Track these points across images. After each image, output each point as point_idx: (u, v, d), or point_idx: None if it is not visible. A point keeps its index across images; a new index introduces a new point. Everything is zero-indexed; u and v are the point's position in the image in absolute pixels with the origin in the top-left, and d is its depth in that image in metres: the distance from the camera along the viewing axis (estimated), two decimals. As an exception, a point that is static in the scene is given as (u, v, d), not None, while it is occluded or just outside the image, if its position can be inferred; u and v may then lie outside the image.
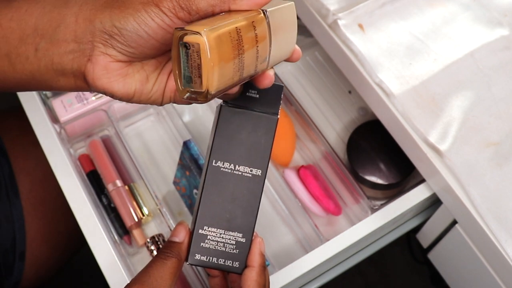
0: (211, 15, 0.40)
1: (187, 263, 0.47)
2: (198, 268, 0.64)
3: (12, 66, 0.46)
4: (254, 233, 0.48)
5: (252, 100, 0.47)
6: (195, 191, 0.69)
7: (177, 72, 0.38)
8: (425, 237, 0.73)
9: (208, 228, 0.47)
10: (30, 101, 0.68)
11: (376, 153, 0.73)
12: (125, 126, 0.79)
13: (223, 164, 0.47)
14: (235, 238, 0.47)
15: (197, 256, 0.47)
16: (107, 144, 0.75)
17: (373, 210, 0.67)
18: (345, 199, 0.73)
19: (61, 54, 0.43)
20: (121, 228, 0.69)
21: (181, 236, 0.47)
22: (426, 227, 0.71)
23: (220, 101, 0.47)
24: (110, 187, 0.71)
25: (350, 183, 0.70)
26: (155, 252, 0.68)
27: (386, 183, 0.71)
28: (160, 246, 0.68)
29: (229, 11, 0.40)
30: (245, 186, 0.47)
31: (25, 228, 0.75)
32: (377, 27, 0.68)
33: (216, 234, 0.47)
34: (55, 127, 0.69)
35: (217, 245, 0.47)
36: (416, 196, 0.65)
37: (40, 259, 0.77)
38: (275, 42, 0.41)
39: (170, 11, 0.40)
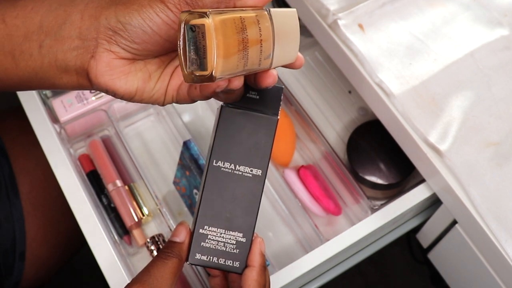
0: None
1: (188, 262, 0.47)
2: (198, 268, 0.64)
3: (15, 63, 0.46)
4: (255, 233, 0.48)
5: (253, 101, 0.47)
6: (195, 191, 0.69)
7: (182, 57, 0.39)
8: (425, 237, 0.73)
9: (208, 228, 0.47)
10: (30, 101, 0.68)
11: (376, 153, 0.73)
12: (125, 126, 0.79)
13: (223, 164, 0.47)
14: (235, 238, 0.47)
15: (198, 256, 0.47)
16: (107, 144, 0.75)
17: (373, 210, 0.67)
18: (345, 199, 0.73)
19: (65, 50, 0.44)
20: (121, 228, 0.69)
21: (182, 236, 0.47)
22: (426, 227, 0.71)
23: (221, 102, 0.48)
24: (110, 187, 0.71)
25: (350, 183, 0.70)
26: (155, 252, 0.68)
27: (386, 183, 0.71)
28: (160, 246, 0.68)
29: (234, 8, 0.41)
30: (246, 186, 0.47)
31: (25, 228, 0.75)
32: (377, 27, 0.68)
33: (217, 234, 0.47)
34: (55, 127, 0.69)
35: (217, 244, 0.47)
36: (416, 196, 0.65)
37: (40, 259, 0.77)
38: (278, 42, 0.41)
39: (175, 6, 0.40)
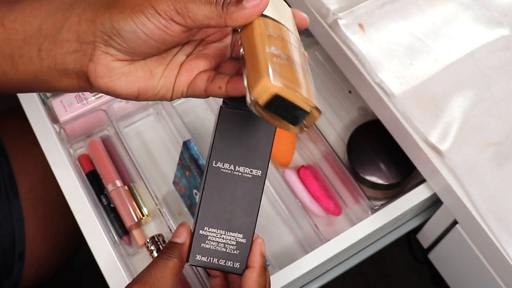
0: (207, 26, 0.41)
1: (188, 263, 0.47)
2: (198, 268, 0.64)
3: (15, 66, 0.46)
4: (255, 234, 0.48)
5: None
6: (195, 191, 0.69)
7: (283, 126, 0.40)
8: (425, 237, 0.73)
9: (208, 229, 0.47)
10: (29, 101, 0.68)
11: (376, 153, 0.73)
12: (125, 126, 0.79)
13: (223, 165, 0.47)
14: (235, 239, 0.47)
15: (198, 257, 0.47)
16: (107, 144, 0.75)
17: (373, 210, 0.67)
18: (345, 199, 0.73)
19: (64, 54, 0.44)
20: (120, 228, 0.69)
21: (183, 237, 0.47)
22: (426, 227, 0.71)
23: (220, 102, 0.48)
24: (109, 187, 0.71)
25: (350, 183, 0.70)
26: (155, 253, 0.68)
27: (386, 183, 0.71)
28: (160, 246, 0.68)
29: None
30: (245, 186, 0.47)
31: (24, 228, 0.75)
32: (377, 27, 0.68)
33: (217, 235, 0.47)
34: (54, 127, 0.69)
35: (217, 245, 0.47)
36: (416, 196, 0.65)
37: (40, 259, 0.77)
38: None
39: (166, 14, 0.40)
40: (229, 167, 0.47)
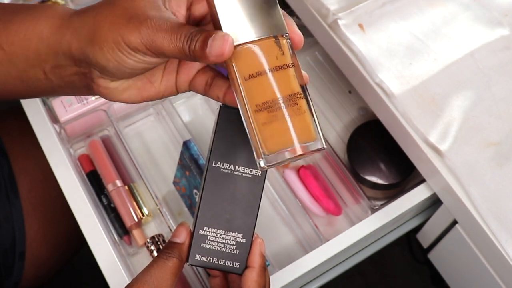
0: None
1: (188, 263, 0.47)
2: (198, 268, 0.64)
3: (26, 85, 0.48)
4: (255, 234, 0.48)
5: None
6: (195, 191, 0.69)
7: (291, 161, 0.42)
8: (425, 237, 0.73)
9: (208, 229, 0.47)
10: (30, 101, 0.68)
11: (376, 153, 0.73)
12: (125, 126, 0.79)
13: (223, 165, 0.47)
14: (235, 239, 0.47)
15: (198, 257, 0.47)
16: (107, 144, 0.75)
17: (373, 210, 0.67)
18: (345, 199, 0.73)
19: (68, 75, 0.45)
20: (121, 228, 0.69)
21: (182, 237, 0.47)
22: (426, 227, 0.71)
23: (220, 103, 0.48)
24: (110, 187, 0.71)
25: (350, 183, 0.70)
26: (155, 252, 0.68)
27: (386, 183, 0.71)
28: (160, 246, 0.68)
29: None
30: (245, 186, 0.47)
31: (24, 228, 0.75)
32: (377, 27, 0.68)
33: (216, 235, 0.47)
34: (55, 127, 0.69)
35: (217, 245, 0.47)
36: (416, 196, 0.65)
37: (40, 259, 0.77)
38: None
39: (139, 49, 0.41)
40: (229, 167, 0.47)
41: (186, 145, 0.69)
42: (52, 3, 0.78)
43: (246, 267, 0.47)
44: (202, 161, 0.67)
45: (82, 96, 0.74)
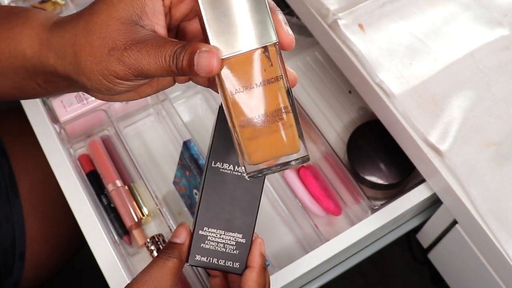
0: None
1: (188, 264, 0.47)
2: (198, 268, 0.64)
3: (23, 93, 0.48)
4: (255, 234, 0.48)
5: None
6: (195, 191, 0.69)
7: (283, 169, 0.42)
8: (425, 237, 0.73)
9: (208, 229, 0.47)
10: (30, 101, 0.68)
11: (376, 153, 0.73)
12: (125, 126, 0.79)
13: (222, 165, 0.47)
14: (235, 239, 0.47)
15: (198, 257, 0.47)
16: (107, 144, 0.75)
17: (373, 210, 0.67)
18: (345, 199, 0.73)
19: (62, 87, 0.45)
20: (121, 228, 0.69)
21: (182, 237, 0.47)
22: (426, 227, 0.71)
23: (220, 102, 0.47)
24: (110, 187, 0.71)
25: (350, 183, 0.70)
26: (155, 252, 0.68)
27: (386, 183, 0.71)
28: (160, 246, 0.68)
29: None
30: (245, 186, 0.47)
31: (25, 228, 0.75)
32: (377, 27, 0.68)
33: (216, 235, 0.47)
34: (55, 127, 0.69)
35: (217, 245, 0.47)
36: (416, 196, 0.65)
37: (40, 259, 0.77)
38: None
39: (127, 77, 0.40)
40: (228, 167, 0.47)
41: (186, 145, 0.69)
42: (40, 6, 0.78)
43: (246, 267, 0.47)
44: (202, 161, 0.67)
45: (82, 96, 0.74)
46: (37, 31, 0.43)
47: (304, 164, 0.75)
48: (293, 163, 0.41)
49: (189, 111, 0.82)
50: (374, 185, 0.72)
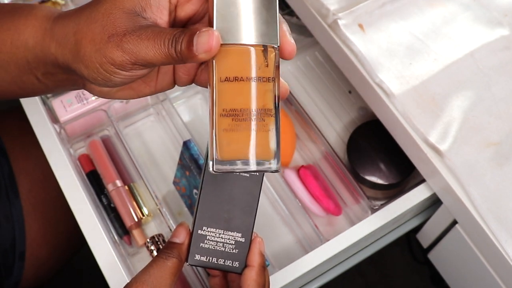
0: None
1: (187, 263, 0.47)
2: (198, 268, 0.64)
3: (22, 89, 0.48)
4: (254, 233, 0.48)
5: None
6: (195, 191, 0.69)
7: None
8: (425, 237, 0.73)
9: (207, 229, 0.47)
10: (30, 101, 0.68)
11: (376, 153, 0.73)
12: (125, 126, 0.79)
13: None
14: (234, 238, 0.47)
15: (197, 257, 0.47)
16: (107, 144, 0.75)
17: (373, 210, 0.67)
18: (345, 199, 0.73)
19: (61, 80, 0.45)
20: (121, 228, 0.69)
21: (182, 237, 0.47)
22: (426, 227, 0.71)
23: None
24: (110, 187, 0.71)
25: (350, 183, 0.70)
26: (155, 252, 0.68)
27: (386, 183, 0.71)
28: (160, 246, 0.68)
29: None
30: (243, 186, 0.47)
31: (25, 228, 0.75)
32: (377, 27, 0.68)
33: (215, 235, 0.47)
34: (55, 127, 0.69)
35: (216, 245, 0.47)
36: (416, 196, 0.65)
37: (40, 259, 0.77)
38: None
39: (125, 66, 0.40)
40: None
41: (186, 145, 0.69)
42: (39, 4, 0.78)
43: (246, 266, 0.47)
44: (202, 161, 0.67)
45: (82, 96, 0.74)
46: (41, 22, 0.44)
47: (304, 164, 0.75)
48: (258, 168, 0.39)
49: (189, 111, 0.82)
50: (374, 185, 0.72)
